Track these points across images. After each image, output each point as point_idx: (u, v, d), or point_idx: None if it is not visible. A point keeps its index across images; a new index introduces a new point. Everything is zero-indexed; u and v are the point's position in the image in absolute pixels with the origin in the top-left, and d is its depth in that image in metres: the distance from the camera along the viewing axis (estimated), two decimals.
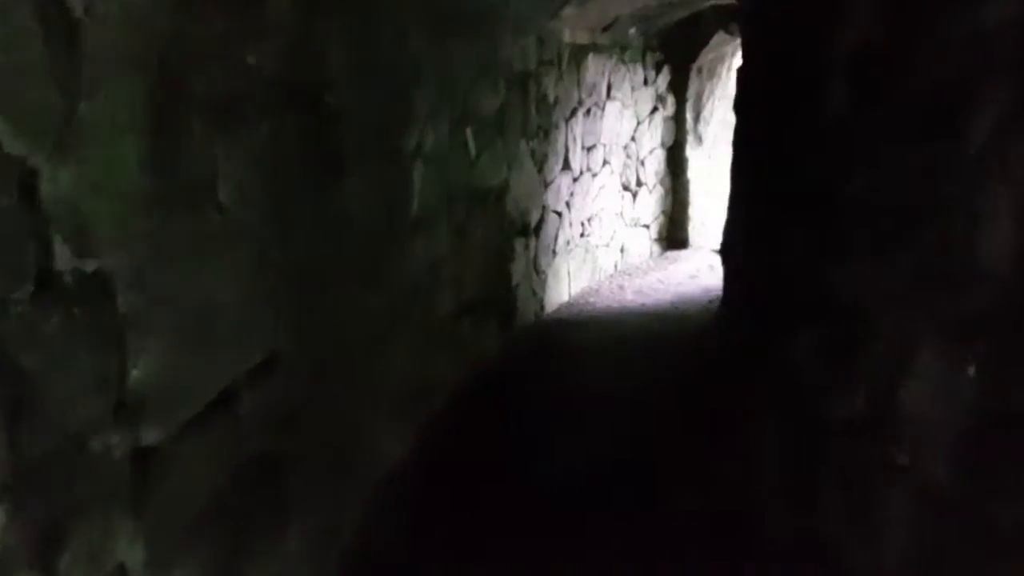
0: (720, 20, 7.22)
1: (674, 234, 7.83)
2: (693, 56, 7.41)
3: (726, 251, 4.75)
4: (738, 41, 7.52)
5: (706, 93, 7.67)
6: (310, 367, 2.31)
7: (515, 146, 4.93)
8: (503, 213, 4.81)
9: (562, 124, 5.72)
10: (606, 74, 6.39)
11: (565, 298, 6.11)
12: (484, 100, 4.33)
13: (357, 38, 2.66)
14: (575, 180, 6.06)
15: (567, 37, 5.69)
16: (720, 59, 7.63)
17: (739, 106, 4.08)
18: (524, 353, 4.91)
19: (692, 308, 6.13)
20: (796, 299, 2.70)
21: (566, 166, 5.87)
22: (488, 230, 4.53)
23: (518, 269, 5.14)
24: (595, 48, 6.15)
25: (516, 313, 5.17)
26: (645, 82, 7.08)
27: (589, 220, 6.42)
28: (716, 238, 8.84)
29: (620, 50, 6.59)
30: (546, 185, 5.56)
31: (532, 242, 5.38)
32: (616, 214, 6.91)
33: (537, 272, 5.52)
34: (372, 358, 2.92)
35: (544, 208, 5.55)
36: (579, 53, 5.93)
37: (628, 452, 3.73)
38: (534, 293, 5.49)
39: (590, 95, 6.16)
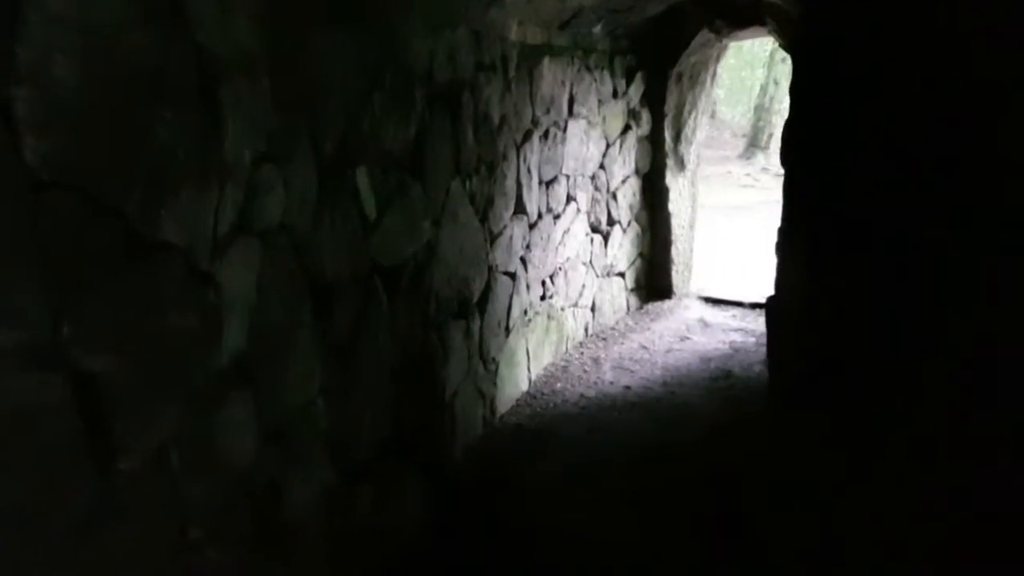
0: (704, 15, 5.75)
1: (654, 281, 6.31)
2: (672, 60, 5.93)
3: (782, 312, 3.27)
4: (725, 43, 6.06)
5: (688, 106, 6.19)
6: None
7: (443, 190, 3.34)
8: (427, 294, 3.21)
9: (512, 153, 4.15)
10: (567, 84, 4.85)
11: (524, 387, 4.51)
12: (388, 125, 2.73)
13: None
14: (532, 227, 4.49)
15: (514, 34, 4.13)
16: (704, 64, 6.16)
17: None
18: (462, 518, 3.26)
19: (694, 392, 4.58)
20: None
21: (519, 209, 4.30)
22: (400, 328, 2.92)
23: (455, 370, 3.53)
24: (551, 50, 4.61)
25: (454, 438, 3.56)
26: (615, 94, 5.56)
27: (552, 277, 4.85)
28: (705, 282, 7.38)
29: (583, 53, 5.06)
30: (493, 239, 3.97)
31: (476, 324, 3.79)
32: (585, 264, 5.35)
33: (485, 364, 3.92)
34: None
35: (491, 271, 3.96)
36: (531, 56, 4.37)
37: None
38: (481, 394, 3.89)
39: (547, 112, 4.60)
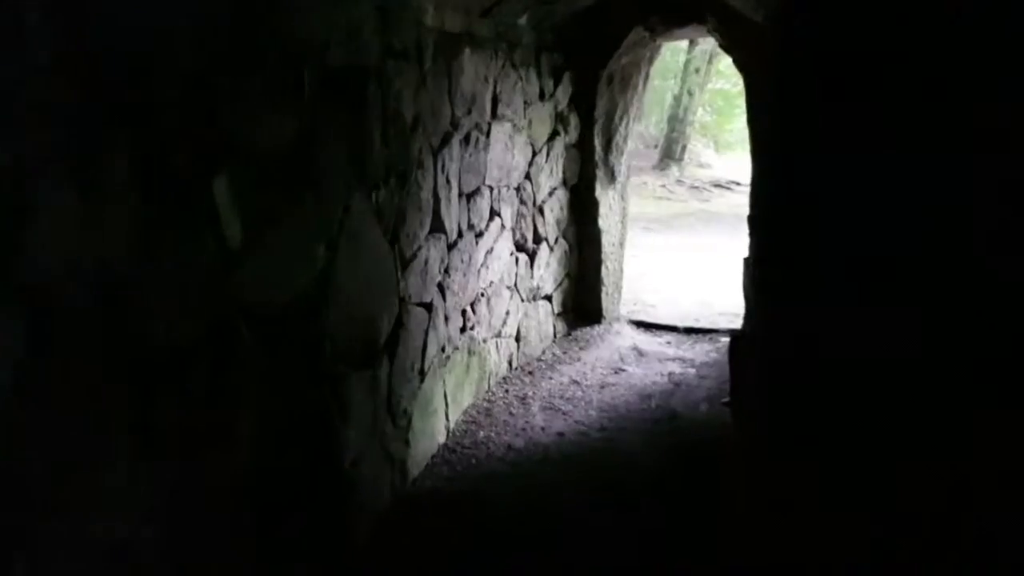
0: (638, 11, 5.20)
1: (583, 304, 5.71)
2: (602, 60, 5.35)
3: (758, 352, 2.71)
4: (659, 44, 5.53)
5: (619, 111, 5.62)
6: None
7: (341, 205, 2.61)
8: (318, 340, 2.46)
9: (428, 159, 3.45)
10: (490, 81, 4.18)
11: (441, 439, 3.79)
12: (259, 119, 1.99)
13: None
14: (451, 247, 3.79)
15: (430, 18, 3.43)
16: (636, 65, 5.61)
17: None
18: None
19: (636, 440, 3.97)
20: None
21: (437, 227, 3.60)
22: (280, 391, 2.17)
23: (357, 432, 2.79)
24: (473, 40, 3.93)
25: (354, 519, 2.81)
26: (541, 95, 4.93)
27: (473, 305, 4.16)
28: (634, 304, 6.84)
29: (508, 47, 4.41)
30: (405, 264, 3.25)
31: (383, 370, 3.05)
32: (510, 287, 4.69)
33: (394, 419, 3.18)
34: None
35: (403, 303, 3.24)
36: (450, 46, 3.68)
37: None
38: (390, 457, 3.15)
39: (468, 112, 3.92)
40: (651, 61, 5.75)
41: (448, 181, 3.70)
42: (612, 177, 5.72)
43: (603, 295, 5.74)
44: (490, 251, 4.33)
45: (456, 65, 3.76)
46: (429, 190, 3.49)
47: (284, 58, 2.15)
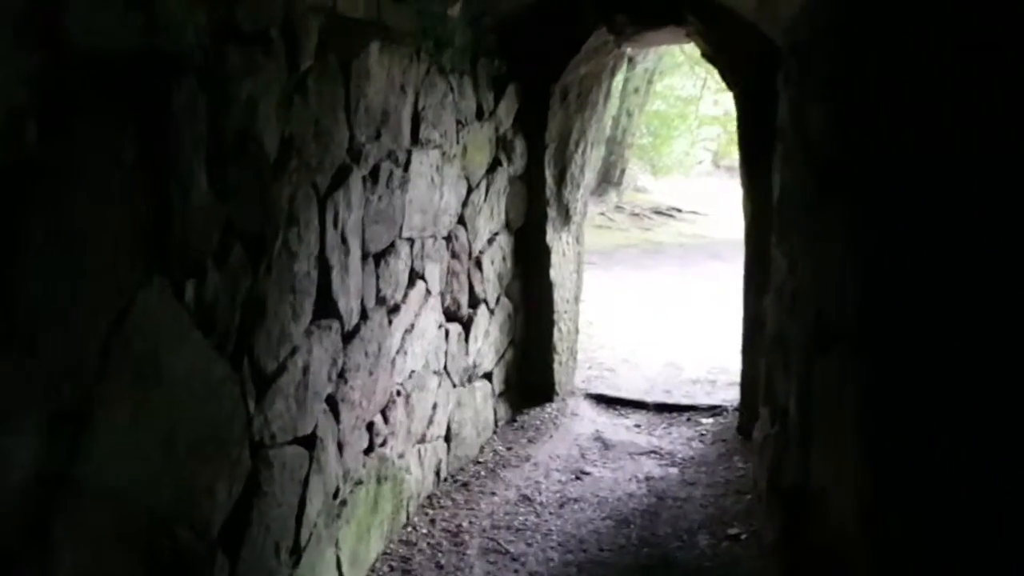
0: (599, 10, 4.07)
1: (531, 378, 4.50)
2: (556, 70, 4.19)
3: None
4: (624, 50, 4.42)
5: (575, 134, 4.47)
6: None
7: (107, 313, 1.32)
8: None
9: (310, 209, 2.19)
10: (410, 92, 2.95)
11: None
12: None
13: None
14: (349, 338, 2.53)
15: None
16: (596, 77, 4.47)
17: None
18: None
19: None
20: None
21: (325, 311, 2.34)
22: None
23: None
24: (385, 33, 2.70)
25: None
26: (479, 113, 3.73)
27: (386, 410, 2.90)
28: (592, 365, 5.65)
29: (435, 47, 3.19)
30: (264, 385, 1.98)
31: (223, 573, 1.77)
32: (438, 372, 3.44)
33: None
34: None
35: (260, 452, 1.96)
36: (348, 38, 2.45)
37: None
38: None
39: (377, 136, 2.68)
40: (614, 73, 4.63)
41: (344, 240, 2.45)
42: (566, 217, 4.55)
43: (556, 366, 4.54)
44: (410, 329, 3.08)
45: (358, 67, 2.52)
46: (310, 257, 2.23)
47: None
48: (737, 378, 5.19)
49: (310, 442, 2.25)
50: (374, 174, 2.69)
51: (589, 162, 4.66)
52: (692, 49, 15.29)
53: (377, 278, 2.76)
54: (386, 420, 2.91)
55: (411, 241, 3.07)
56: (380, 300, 2.78)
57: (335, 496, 2.47)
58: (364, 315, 2.64)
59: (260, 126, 1.90)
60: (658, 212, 14.52)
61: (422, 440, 3.31)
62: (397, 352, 2.97)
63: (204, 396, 1.69)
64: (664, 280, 9.02)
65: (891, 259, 1.42)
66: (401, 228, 2.94)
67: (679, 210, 14.85)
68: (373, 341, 2.70)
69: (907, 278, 1.40)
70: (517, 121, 4.14)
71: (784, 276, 2.58)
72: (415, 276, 3.12)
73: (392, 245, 2.88)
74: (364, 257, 2.65)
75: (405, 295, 3.02)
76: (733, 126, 18.97)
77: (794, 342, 2.29)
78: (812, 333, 1.96)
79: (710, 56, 4.16)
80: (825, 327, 1.81)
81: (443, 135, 3.30)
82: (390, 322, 2.87)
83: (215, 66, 1.69)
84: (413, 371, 3.14)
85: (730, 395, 4.80)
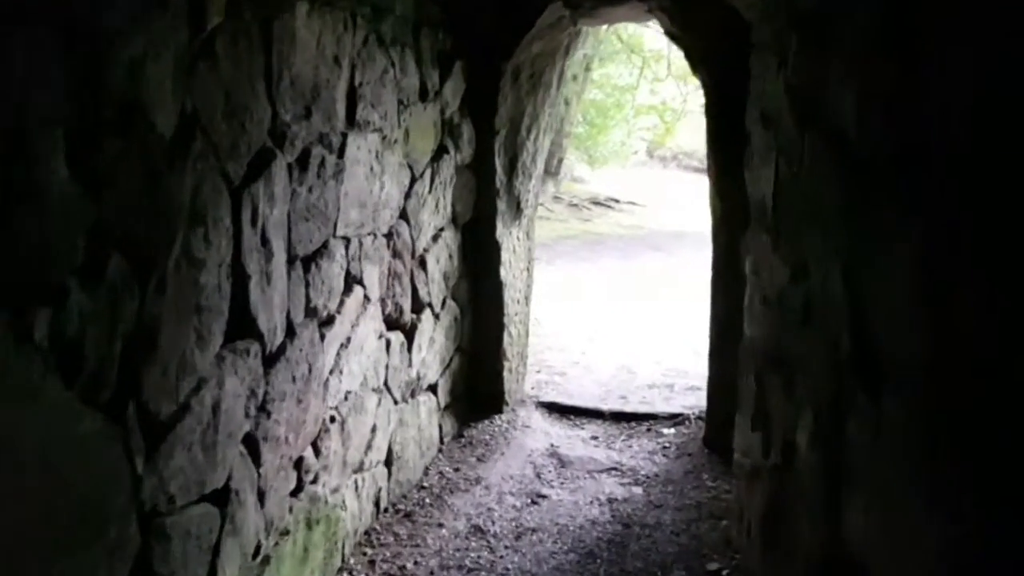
0: None
1: (479, 387, 4.08)
2: (507, 47, 3.77)
3: None
4: (580, 28, 4.04)
5: (527, 119, 4.06)
6: None
7: None
8: None
9: (221, 204, 1.73)
10: (345, 64, 2.49)
11: None
12: None
13: None
14: (272, 360, 2.07)
15: None
16: (550, 57, 4.07)
17: None
18: None
19: None
20: None
21: (240, 331, 1.88)
22: None
23: None
24: None
25: None
26: (423, 92, 3.28)
27: (318, 441, 2.45)
28: (541, 369, 5.25)
29: (373, 14, 2.73)
30: (157, 435, 1.51)
31: None
32: (377, 389, 2.99)
33: None
34: None
35: (150, 522, 1.49)
36: None
37: None
38: None
39: (306, 115, 2.22)
40: (568, 52, 4.23)
41: (265, 241, 1.99)
42: (517, 210, 4.15)
43: (505, 373, 4.14)
44: (346, 344, 2.63)
45: (281, 30, 2.05)
46: (221, 266, 1.76)
47: None
48: (696, 382, 4.92)
49: (222, 497, 1.80)
50: (303, 161, 2.23)
51: (541, 150, 4.27)
52: (629, 36, 14.92)
53: (307, 286, 2.30)
54: (318, 453, 2.46)
55: (347, 240, 2.61)
56: (311, 312, 2.33)
57: (255, 555, 2.02)
58: (291, 332, 2.19)
59: (150, 96, 1.43)
60: (596, 203, 14.28)
61: (360, 469, 2.87)
62: (331, 372, 2.52)
63: (68, 464, 1.23)
64: (608, 273, 8.74)
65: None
66: (336, 225, 2.49)
67: (617, 201, 14.66)
68: (302, 362, 2.25)
69: None
70: (465, 103, 3.70)
71: (784, 284, 2.24)
72: (352, 281, 2.67)
73: (325, 245, 2.42)
74: (291, 261, 2.19)
75: (341, 304, 2.57)
76: (669, 116, 18.77)
77: (807, 365, 1.95)
78: (845, 362, 1.61)
79: (675, 35, 3.80)
80: (871, 359, 1.46)
81: (383, 117, 2.85)
82: (323, 337, 2.42)
83: (85, 16, 1.22)
84: (349, 392, 2.69)
85: (689, 401, 4.50)
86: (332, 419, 2.55)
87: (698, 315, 6.47)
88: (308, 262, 2.32)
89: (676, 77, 15.69)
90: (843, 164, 1.67)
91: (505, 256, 4.06)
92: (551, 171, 14.72)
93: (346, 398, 2.67)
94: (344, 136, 2.53)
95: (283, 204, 2.12)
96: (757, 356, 2.52)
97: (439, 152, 3.49)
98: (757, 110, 2.77)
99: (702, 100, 3.96)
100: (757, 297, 2.62)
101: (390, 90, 2.91)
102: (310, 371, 2.30)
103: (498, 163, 3.93)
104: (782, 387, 2.23)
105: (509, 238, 4.10)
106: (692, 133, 20.29)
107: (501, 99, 3.84)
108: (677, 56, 14.83)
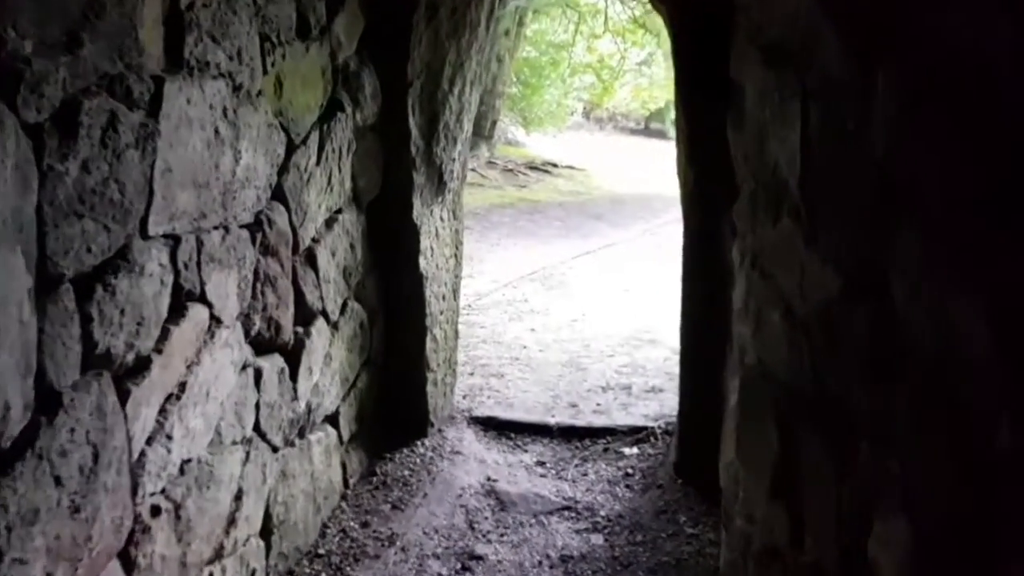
0: None
1: (394, 408, 3.25)
2: None
3: None
4: None
5: (450, 67, 3.19)
6: None
7: None
8: None
9: None
10: None
11: None
12: None
13: None
14: (7, 461, 1.20)
15: None
16: None
17: None
18: None
19: None
20: None
21: None
22: None
23: None
24: None
25: None
26: (302, 27, 2.38)
27: (129, 551, 1.59)
28: (474, 370, 4.29)
29: None
30: None
31: None
32: (240, 441, 2.14)
33: None
34: None
35: None
36: None
37: None
38: None
39: (69, 44, 1.32)
40: None
41: None
42: (439, 183, 3.30)
43: (429, 387, 3.32)
44: (178, 394, 1.76)
45: None
46: None
47: None
48: (656, 381, 4.18)
49: None
50: (65, 121, 1.35)
51: (469, 107, 3.41)
52: None
53: (86, 321, 1.43)
54: (131, 566, 1.61)
55: (173, 240, 1.74)
56: (97, 362, 1.46)
57: None
58: (49, 404, 1.32)
59: None
60: (533, 168, 13.44)
61: (218, 557, 2.03)
62: (150, 441, 1.66)
63: None
64: (547, 244, 7.98)
65: None
66: (145, 219, 1.61)
67: (555, 165, 13.85)
68: (79, 447, 1.39)
69: None
70: (365, 45, 2.81)
71: (831, 298, 1.47)
72: (186, 298, 1.80)
73: (123, 253, 1.54)
74: (47, 287, 1.32)
75: (163, 336, 1.70)
76: (607, 74, 18.01)
77: (893, 437, 1.19)
78: (999, 464, 0.85)
79: None
80: None
81: (234, 57, 1.96)
82: (126, 395, 1.56)
83: None
84: (188, 461, 1.84)
85: (652, 408, 3.77)
86: (156, 511, 1.70)
87: (650, 296, 5.82)
88: (88, 283, 1.44)
89: (614, 33, 14.93)
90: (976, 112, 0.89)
91: (425, 242, 3.21)
92: (484, 134, 13.77)
93: (182, 471, 1.81)
94: (158, 82, 1.64)
95: (20, 194, 1.24)
96: (779, 395, 1.75)
97: (330, 109, 2.61)
98: (758, 46, 1.99)
99: (667, 43, 3.17)
100: (772, 309, 1.85)
101: (245, 18, 2.01)
102: (96, 457, 1.44)
103: (413, 124, 3.06)
104: (832, 455, 1.47)
105: (430, 219, 3.25)
106: (628, 93, 19.53)
107: (414, 40, 2.96)
108: (615, 11, 14.02)
